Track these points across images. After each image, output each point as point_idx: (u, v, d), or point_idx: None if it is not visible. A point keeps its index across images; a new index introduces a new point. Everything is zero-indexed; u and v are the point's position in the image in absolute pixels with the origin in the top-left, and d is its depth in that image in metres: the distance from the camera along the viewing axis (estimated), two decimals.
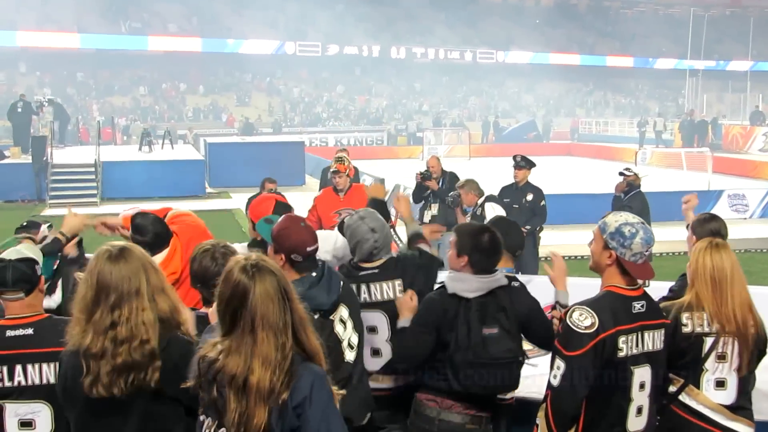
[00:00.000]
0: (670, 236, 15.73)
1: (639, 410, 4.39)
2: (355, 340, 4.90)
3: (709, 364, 4.80)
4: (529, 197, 12.50)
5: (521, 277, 5.36)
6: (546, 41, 72.71)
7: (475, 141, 53.17)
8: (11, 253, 4.43)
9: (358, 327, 4.96)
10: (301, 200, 15.21)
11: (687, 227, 6.11)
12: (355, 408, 4.83)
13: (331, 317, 4.80)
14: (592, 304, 4.36)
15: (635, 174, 12.91)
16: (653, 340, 4.42)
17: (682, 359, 4.82)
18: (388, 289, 5.36)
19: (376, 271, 5.40)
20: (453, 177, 12.92)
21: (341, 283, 4.89)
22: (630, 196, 12.79)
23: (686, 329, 4.80)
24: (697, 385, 4.85)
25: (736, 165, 35.91)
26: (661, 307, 4.74)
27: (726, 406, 4.79)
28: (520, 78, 70.09)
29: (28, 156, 27.93)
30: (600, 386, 4.31)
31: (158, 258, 5.49)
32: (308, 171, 32.11)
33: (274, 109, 62.15)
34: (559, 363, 4.30)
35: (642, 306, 4.41)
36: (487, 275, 4.97)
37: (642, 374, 4.37)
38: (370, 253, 5.41)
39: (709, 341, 4.79)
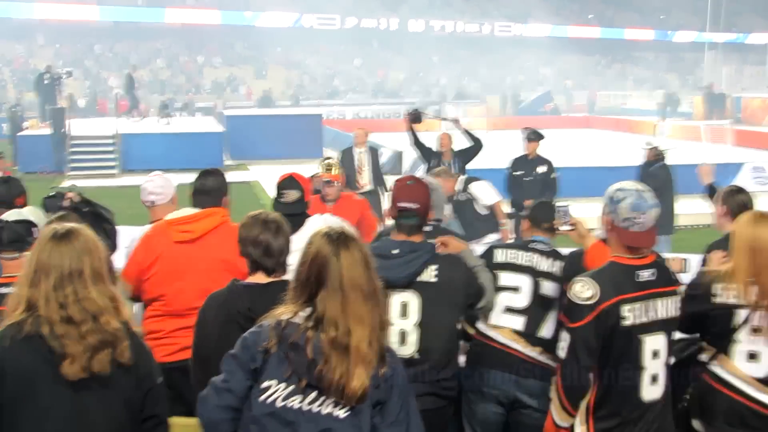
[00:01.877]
0: (692, 209, 15.67)
1: (654, 378, 4.38)
2: (414, 336, 4.82)
3: (743, 335, 4.71)
4: (541, 169, 12.51)
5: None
6: (565, 14, 72.31)
7: (493, 114, 52.97)
8: (11, 215, 4.66)
9: (429, 328, 4.85)
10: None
11: (711, 198, 6.09)
12: None
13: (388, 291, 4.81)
14: (594, 275, 4.38)
15: (655, 147, 12.89)
16: (666, 308, 4.40)
17: (710, 328, 4.80)
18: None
19: None
20: (463, 153, 12.65)
21: (427, 267, 4.86)
22: (657, 166, 12.81)
23: (718, 300, 4.75)
24: (728, 355, 4.80)
25: (756, 138, 35.57)
26: (698, 274, 4.84)
27: (758, 379, 4.73)
28: (539, 51, 69.68)
29: (46, 127, 28.01)
30: (608, 356, 4.32)
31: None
32: (325, 144, 32.11)
33: (292, 81, 62.06)
34: (565, 335, 4.36)
35: (652, 274, 4.38)
36: None
37: (655, 342, 4.37)
38: None
39: (741, 314, 4.71)
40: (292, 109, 45.17)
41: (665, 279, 4.44)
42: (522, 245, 5.56)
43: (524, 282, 5.39)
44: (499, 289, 5.33)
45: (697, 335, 4.93)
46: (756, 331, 4.69)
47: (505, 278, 5.39)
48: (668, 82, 67.07)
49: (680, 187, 13.17)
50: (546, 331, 5.33)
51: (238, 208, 5.73)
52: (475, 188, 10.99)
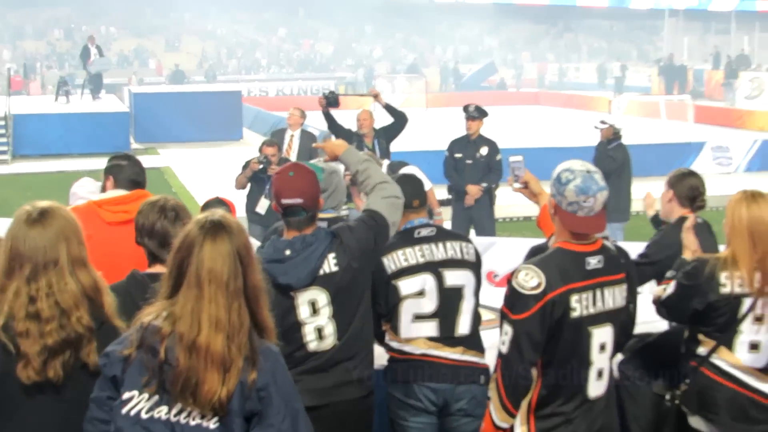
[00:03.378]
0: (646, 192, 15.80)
1: (599, 374, 4.40)
2: (331, 328, 4.88)
3: (745, 326, 4.89)
4: (484, 151, 12.34)
5: (479, 240, 5.40)
6: None
7: (432, 89, 53.02)
8: None
9: (343, 315, 4.91)
10: (238, 156, 15.09)
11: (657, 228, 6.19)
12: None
13: (292, 294, 4.82)
14: (539, 262, 4.35)
15: (611, 126, 12.98)
16: (614, 297, 4.40)
17: (715, 320, 4.91)
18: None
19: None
20: (386, 131, 12.55)
21: (326, 258, 4.86)
22: (614, 146, 12.92)
23: (725, 290, 4.86)
24: (730, 347, 4.95)
25: (720, 114, 36.13)
26: (694, 262, 4.99)
27: (759, 369, 4.91)
28: (483, 19, 69.87)
29: None
30: (554, 351, 4.31)
31: None
32: (246, 124, 31.91)
33: (208, 54, 61.57)
34: (507, 328, 4.30)
35: (599, 261, 4.37)
36: None
37: (602, 335, 4.38)
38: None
39: (747, 302, 4.86)
40: (207, 86, 44.83)
41: (613, 266, 4.43)
42: (406, 239, 5.49)
43: (426, 282, 5.40)
44: (403, 298, 5.35)
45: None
46: (758, 320, 4.88)
47: (405, 286, 5.39)
48: (625, 53, 67.60)
49: (636, 169, 13.32)
50: (463, 326, 5.39)
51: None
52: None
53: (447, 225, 10.99)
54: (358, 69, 59.12)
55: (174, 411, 3.39)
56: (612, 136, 12.94)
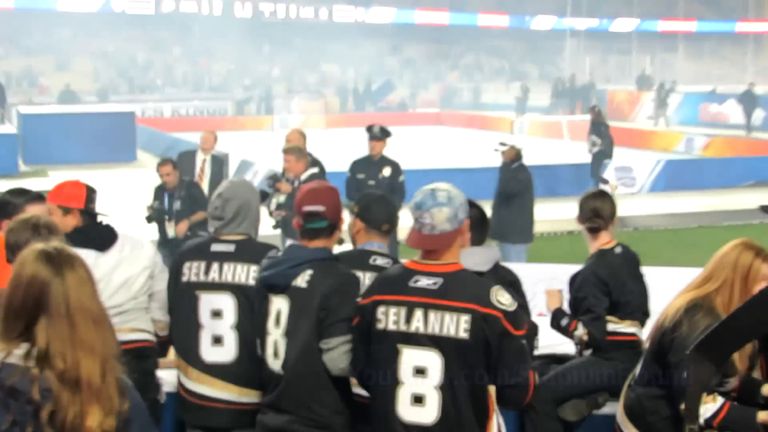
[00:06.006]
0: (551, 214, 15.96)
1: (417, 399, 4.31)
2: (282, 347, 4.85)
3: None
4: (387, 172, 12.46)
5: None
6: None
7: (332, 110, 53.10)
8: None
9: (296, 333, 4.84)
10: (132, 178, 14.89)
11: (558, 329, 6.25)
12: None
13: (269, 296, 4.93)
14: (381, 274, 4.64)
15: (511, 147, 13.04)
16: (443, 324, 4.24)
17: None
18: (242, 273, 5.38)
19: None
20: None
21: (303, 271, 4.86)
22: (517, 166, 12.96)
23: None
24: None
25: (623, 135, 36.17)
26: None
27: None
28: (383, 39, 70.16)
29: None
30: (370, 363, 4.46)
31: None
32: (140, 145, 31.55)
33: (100, 74, 60.76)
34: None
35: (434, 283, 4.31)
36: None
37: (418, 358, 4.29)
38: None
39: None
40: (99, 106, 44.15)
41: (456, 292, 4.30)
42: (361, 262, 5.25)
43: None
44: None
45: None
46: None
47: None
48: (527, 74, 68.46)
49: (539, 189, 13.43)
50: None
51: None
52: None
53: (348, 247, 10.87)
54: (256, 89, 58.91)
55: None
56: (515, 157, 12.97)
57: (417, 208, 4.33)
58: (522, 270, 6.83)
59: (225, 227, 5.43)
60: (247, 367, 5.25)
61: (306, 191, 5.03)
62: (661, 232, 18.51)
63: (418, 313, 4.28)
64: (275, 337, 4.86)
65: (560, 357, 6.37)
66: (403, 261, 4.55)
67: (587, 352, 6.16)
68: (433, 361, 4.27)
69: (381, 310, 4.33)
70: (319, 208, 4.90)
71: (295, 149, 11.68)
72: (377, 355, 4.38)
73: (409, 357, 4.30)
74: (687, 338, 4.76)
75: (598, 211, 6.08)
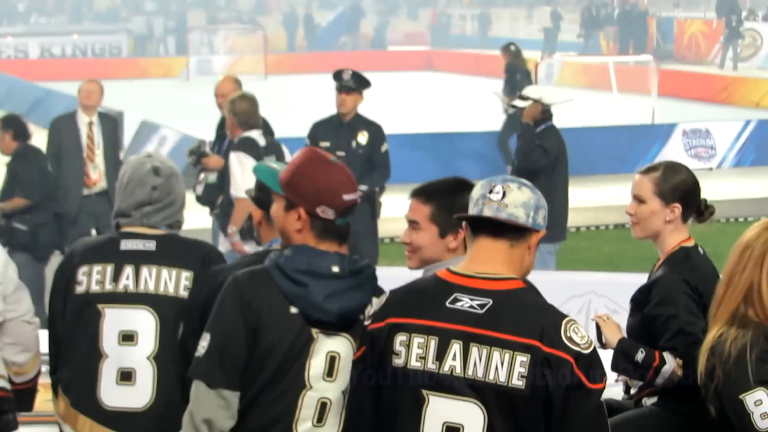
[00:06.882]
0: (590, 199, 13.98)
1: None
2: (337, 407, 3.83)
3: None
4: (362, 139, 10.28)
5: None
6: None
7: (276, 47, 45.84)
8: None
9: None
10: None
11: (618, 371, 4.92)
12: None
13: (315, 335, 3.83)
14: (402, 287, 3.60)
15: (535, 101, 10.37)
16: (490, 365, 3.37)
17: None
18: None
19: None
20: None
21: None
22: (543, 129, 10.45)
23: None
24: None
25: (697, 83, 32.80)
26: None
27: None
28: None
29: None
30: (380, 416, 3.52)
31: None
32: None
33: None
34: None
35: (480, 305, 3.39)
36: None
37: (452, 411, 3.40)
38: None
39: None
40: None
41: (508, 321, 3.39)
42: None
43: None
44: None
45: None
46: None
47: None
48: None
49: (573, 165, 11.03)
50: None
51: None
52: (232, 160, 9.20)
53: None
54: (161, 17, 50.69)
55: None
56: (540, 117, 10.35)
57: (487, 182, 3.44)
58: (548, 281, 5.90)
59: (155, 215, 4.66)
60: (166, 416, 4.41)
61: (333, 169, 3.95)
62: (748, 224, 16.10)
63: (455, 348, 3.42)
64: (321, 393, 3.84)
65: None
66: (436, 270, 3.58)
67: (651, 400, 4.93)
68: (472, 416, 3.41)
69: (401, 339, 3.45)
70: (357, 195, 4.03)
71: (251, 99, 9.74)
72: (392, 404, 3.47)
73: (439, 409, 3.43)
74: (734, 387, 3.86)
75: (695, 192, 4.96)
